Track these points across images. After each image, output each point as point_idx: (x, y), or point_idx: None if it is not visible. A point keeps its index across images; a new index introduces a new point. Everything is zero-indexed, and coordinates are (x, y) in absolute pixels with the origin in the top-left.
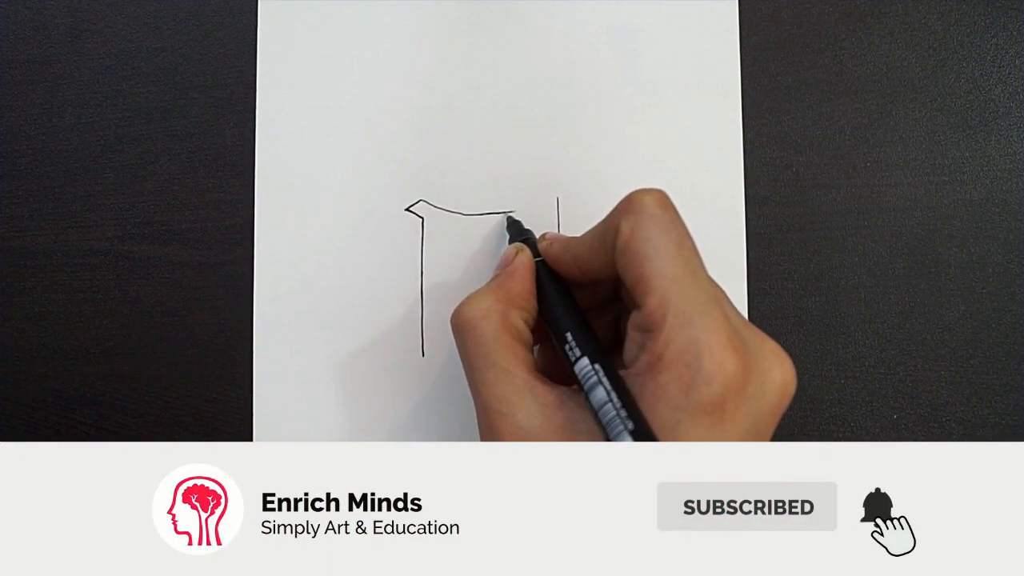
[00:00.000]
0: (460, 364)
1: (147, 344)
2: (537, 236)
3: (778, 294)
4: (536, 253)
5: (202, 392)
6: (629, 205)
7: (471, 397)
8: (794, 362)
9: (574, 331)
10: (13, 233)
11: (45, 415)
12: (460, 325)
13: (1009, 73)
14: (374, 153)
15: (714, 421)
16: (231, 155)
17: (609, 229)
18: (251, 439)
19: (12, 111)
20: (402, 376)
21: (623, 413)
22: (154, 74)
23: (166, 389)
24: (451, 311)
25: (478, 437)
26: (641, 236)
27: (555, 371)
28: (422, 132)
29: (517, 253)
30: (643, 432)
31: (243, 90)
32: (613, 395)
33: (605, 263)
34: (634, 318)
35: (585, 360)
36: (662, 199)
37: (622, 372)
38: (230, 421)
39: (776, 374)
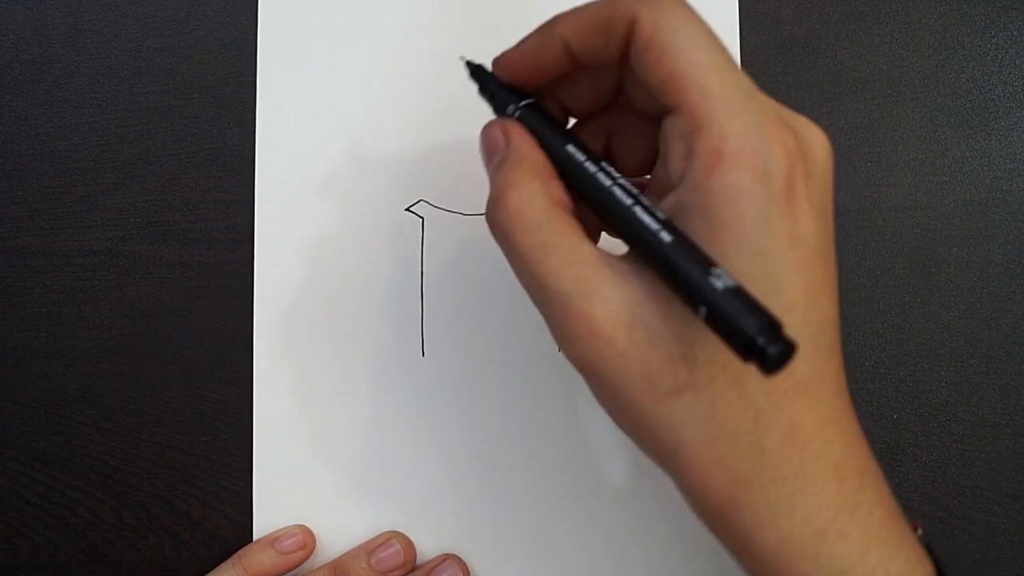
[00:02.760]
0: (460, 364)
1: (147, 344)
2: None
3: None
4: (503, 102)
5: (202, 392)
6: None
7: (533, 293)
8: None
9: (595, 192)
10: (13, 233)
11: (45, 415)
12: (505, 225)
13: (1009, 73)
14: (374, 153)
15: (792, 208)
16: (231, 155)
17: (619, 17)
18: (251, 439)
19: (12, 111)
20: (402, 376)
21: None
22: (154, 74)
23: (166, 389)
24: (451, 311)
25: (480, 436)
26: (669, 26)
27: (592, 227)
28: (422, 132)
29: (502, 128)
30: (702, 285)
31: (243, 90)
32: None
33: (603, 48)
34: (672, 127)
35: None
36: None
37: (676, 192)
38: (230, 421)
39: (819, 146)
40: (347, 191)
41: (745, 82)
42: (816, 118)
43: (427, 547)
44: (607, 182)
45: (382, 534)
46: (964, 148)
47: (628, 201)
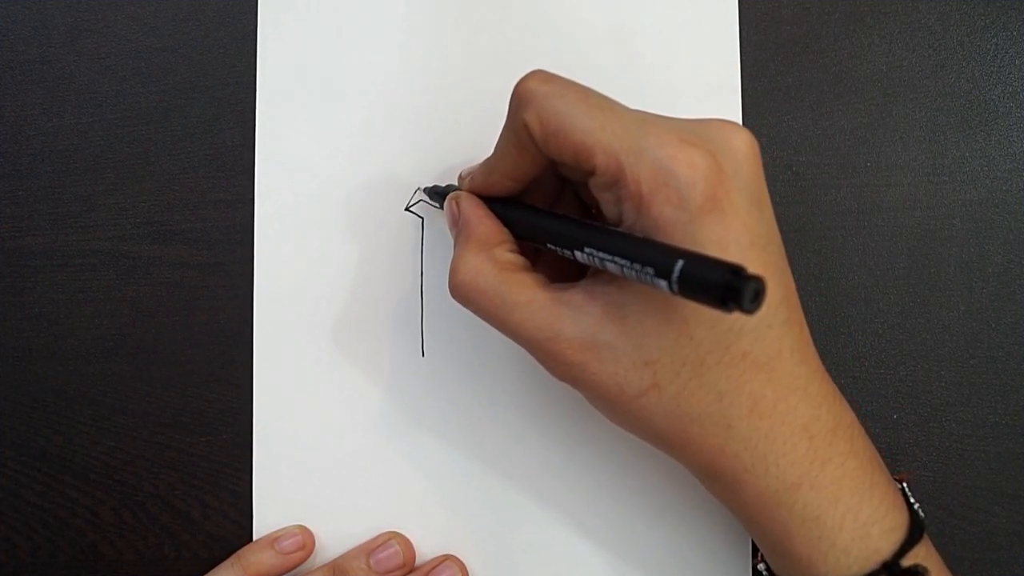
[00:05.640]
0: (460, 364)
1: (147, 344)
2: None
3: None
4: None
5: (202, 392)
6: (520, 99)
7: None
8: None
9: (551, 235)
10: (13, 233)
11: (45, 415)
12: (462, 295)
13: (1009, 73)
14: (374, 153)
15: (717, 215)
16: (231, 155)
17: (518, 130)
18: (251, 439)
19: (12, 111)
20: (402, 376)
21: (640, 262)
22: (154, 74)
23: (166, 389)
24: (451, 311)
25: (480, 436)
26: (550, 115)
27: (564, 267)
28: (422, 132)
29: (458, 202)
30: (665, 261)
31: (243, 90)
32: (620, 256)
33: (533, 161)
34: (594, 183)
35: (579, 253)
36: (542, 75)
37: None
38: (230, 421)
39: (737, 143)
40: (347, 191)
41: (633, 124)
42: (816, 118)
43: (427, 547)
44: (565, 219)
45: (382, 534)
46: (964, 148)
47: (585, 222)
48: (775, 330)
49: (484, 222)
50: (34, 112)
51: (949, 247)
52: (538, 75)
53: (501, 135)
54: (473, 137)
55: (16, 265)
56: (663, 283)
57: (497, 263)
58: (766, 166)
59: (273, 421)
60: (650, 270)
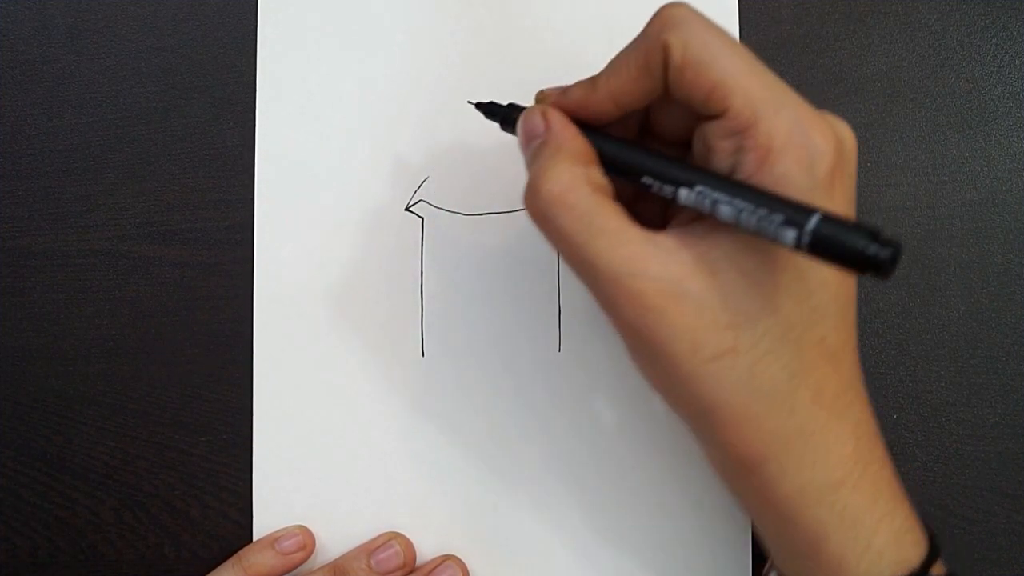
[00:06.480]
0: (460, 364)
1: (147, 344)
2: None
3: None
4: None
5: (202, 392)
6: (667, 20)
7: (582, 273)
8: None
9: (654, 169)
10: (13, 233)
11: (45, 415)
12: (548, 207)
13: (1009, 73)
14: (374, 153)
15: (832, 194)
16: (231, 155)
17: (653, 50)
18: (251, 439)
19: (12, 111)
20: (402, 376)
21: (767, 208)
22: (154, 74)
23: (166, 389)
24: (452, 311)
25: (480, 436)
26: (698, 44)
27: (647, 215)
28: (422, 132)
29: (541, 115)
30: (797, 213)
31: (243, 90)
32: (742, 199)
33: (650, 88)
34: (717, 128)
35: (684, 190)
36: (687, 5)
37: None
38: (230, 421)
39: (847, 135)
40: (347, 191)
41: (779, 82)
42: None
43: (427, 547)
44: (667, 157)
45: (382, 535)
46: (964, 148)
47: (696, 169)
48: (845, 323)
49: (579, 137)
50: (34, 112)
51: (949, 247)
52: (686, 6)
53: (621, 54)
54: (473, 137)
55: (16, 265)
56: (791, 233)
57: (592, 183)
58: None
59: (273, 421)
60: (778, 217)
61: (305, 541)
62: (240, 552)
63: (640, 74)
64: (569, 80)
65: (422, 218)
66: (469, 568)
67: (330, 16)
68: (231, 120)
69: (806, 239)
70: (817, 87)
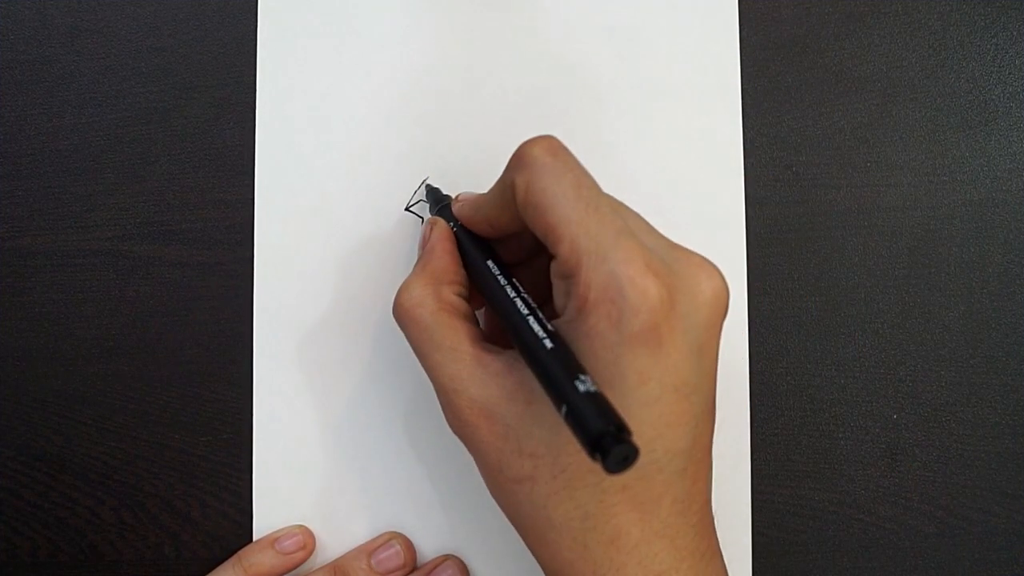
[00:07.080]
0: None
1: (147, 344)
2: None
3: (778, 294)
4: (447, 217)
5: (202, 392)
6: (520, 159)
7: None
8: (793, 360)
9: (491, 299)
10: (13, 233)
11: (45, 415)
12: (399, 317)
13: (1009, 73)
14: (374, 153)
15: (651, 349)
16: (231, 155)
17: (506, 186)
18: (251, 439)
19: (12, 111)
20: (402, 376)
21: (554, 380)
22: (154, 74)
23: (166, 389)
24: None
25: None
26: (537, 188)
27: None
28: (422, 132)
29: (432, 228)
30: (565, 391)
31: (243, 90)
32: (537, 363)
33: (513, 218)
34: (554, 267)
35: (511, 328)
36: (551, 145)
37: (556, 322)
38: (230, 421)
39: (704, 287)
40: (347, 191)
41: (610, 232)
42: (816, 118)
43: (427, 547)
44: (512, 294)
45: (382, 535)
46: (964, 148)
47: (525, 311)
48: (664, 476)
49: (444, 257)
50: (34, 112)
51: (949, 247)
52: (545, 143)
53: (496, 183)
54: (473, 137)
55: (16, 265)
56: (560, 407)
57: (439, 300)
58: (766, 166)
59: (273, 421)
60: (553, 389)
61: (305, 541)
62: (240, 552)
63: (502, 205)
64: (569, 79)
65: (422, 218)
66: (469, 568)
67: (330, 16)
68: (231, 120)
69: (562, 415)
70: (817, 87)
